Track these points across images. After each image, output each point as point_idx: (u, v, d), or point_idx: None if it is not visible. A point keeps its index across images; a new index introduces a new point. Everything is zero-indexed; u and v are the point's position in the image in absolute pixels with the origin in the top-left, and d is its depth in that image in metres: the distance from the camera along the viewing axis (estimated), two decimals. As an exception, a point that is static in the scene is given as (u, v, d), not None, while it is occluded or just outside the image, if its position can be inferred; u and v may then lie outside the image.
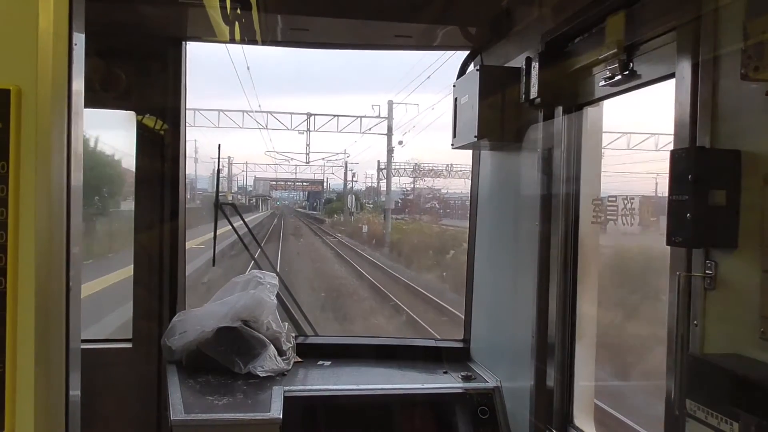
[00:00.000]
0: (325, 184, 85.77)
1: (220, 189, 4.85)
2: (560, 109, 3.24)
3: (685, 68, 2.20)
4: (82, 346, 1.54)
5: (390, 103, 40.10)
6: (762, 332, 1.84)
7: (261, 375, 3.79)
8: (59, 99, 1.30)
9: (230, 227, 4.60)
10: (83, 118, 1.43)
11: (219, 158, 5.65)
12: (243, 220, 4.83)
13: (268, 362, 3.88)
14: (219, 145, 7.20)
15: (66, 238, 1.34)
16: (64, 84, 1.31)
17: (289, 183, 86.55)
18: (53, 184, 1.29)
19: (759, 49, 1.73)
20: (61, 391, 1.36)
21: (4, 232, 1.23)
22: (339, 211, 64.04)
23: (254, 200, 79.15)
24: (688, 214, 2.00)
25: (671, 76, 2.32)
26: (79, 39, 1.38)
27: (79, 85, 1.39)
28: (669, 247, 2.23)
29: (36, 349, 1.26)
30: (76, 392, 1.44)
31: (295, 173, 73.81)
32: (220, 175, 5.22)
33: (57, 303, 1.32)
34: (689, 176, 2.00)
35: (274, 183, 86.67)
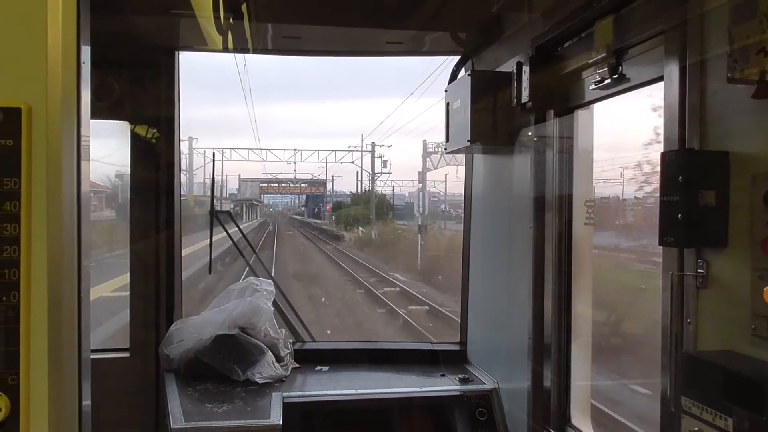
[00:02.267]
0: (329, 184, 69.38)
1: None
2: (551, 112, 3.29)
3: (673, 71, 2.25)
4: None
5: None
6: (753, 329, 1.88)
7: (259, 381, 3.80)
8: (68, 113, 1.31)
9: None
10: (90, 130, 1.45)
11: (213, 166, 5.67)
12: (239, 227, 4.84)
13: (267, 369, 3.88)
14: (213, 153, 7.21)
15: (77, 251, 1.35)
16: (74, 98, 1.32)
17: (283, 184, 70.20)
18: (64, 198, 1.30)
19: (743, 53, 1.78)
20: (74, 401, 1.38)
21: (18, 247, 1.24)
22: (363, 222, 43.83)
23: (237, 206, 60.38)
24: (679, 215, 2.04)
25: (660, 79, 2.36)
26: (86, 52, 1.40)
27: (86, 98, 1.40)
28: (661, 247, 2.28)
29: (49, 359, 1.27)
30: (87, 402, 1.45)
31: (295, 160, 54.15)
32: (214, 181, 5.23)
33: (69, 314, 1.34)
34: (679, 177, 2.05)
35: (265, 185, 70.77)
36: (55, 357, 1.28)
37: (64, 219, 1.30)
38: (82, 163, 1.35)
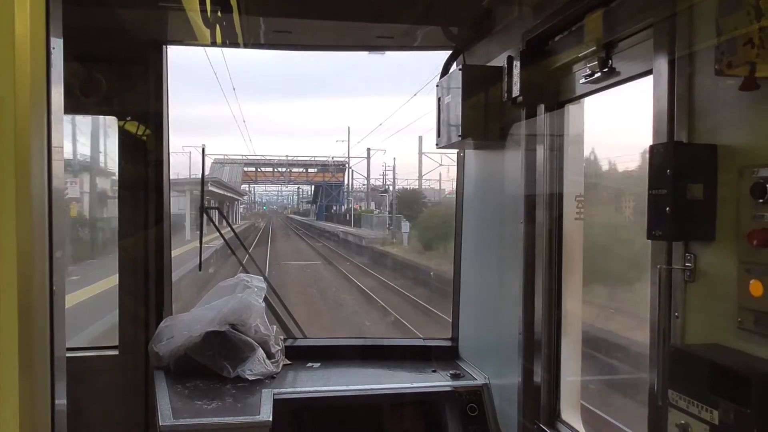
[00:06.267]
0: (348, 174, 44.53)
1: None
2: (542, 107, 3.27)
3: (661, 65, 2.24)
4: (67, 354, 1.53)
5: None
6: (739, 322, 1.88)
7: (250, 378, 3.78)
8: (38, 104, 1.28)
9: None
10: (63, 123, 1.42)
11: (204, 162, 5.63)
12: (231, 226, 4.81)
13: (257, 365, 3.86)
14: (203, 147, 7.18)
15: (48, 245, 1.32)
16: (43, 89, 1.29)
17: (279, 170, 46.53)
18: (34, 190, 1.27)
19: (731, 46, 1.76)
20: (46, 401, 1.35)
21: None
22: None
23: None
24: (667, 208, 2.03)
25: (649, 72, 2.35)
26: (57, 44, 1.37)
27: (58, 90, 1.37)
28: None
29: (20, 357, 1.23)
30: (62, 401, 1.42)
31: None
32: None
33: (41, 311, 1.31)
34: (667, 171, 2.04)
35: (252, 169, 46.91)
36: (25, 354, 1.24)
37: (34, 211, 1.27)
38: (54, 153, 1.32)
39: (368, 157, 41.89)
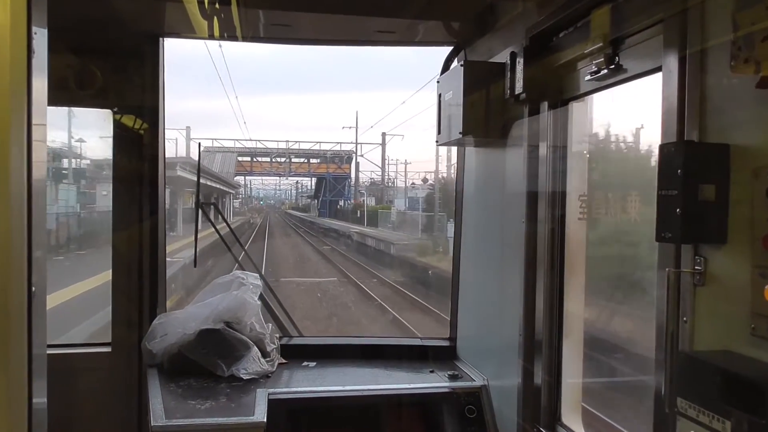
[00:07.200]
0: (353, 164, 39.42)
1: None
2: (545, 104, 3.22)
3: (672, 62, 2.18)
4: (59, 351, 1.48)
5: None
6: (753, 328, 1.82)
7: (244, 377, 3.73)
8: (18, 95, 1.22)
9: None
10: (47, 115, 1.35)
11: (199, 158, 5.58)
12: (226, 221, 4.74)
13: (252, 364, 3.81)
14: (199, 143, 7.13)
15: (27, 243, 1.26)
16: (23, 80, 1.23)
17: (278, 160, 41.27)
18: (11, 183, 1.21)
19: (749, 41, 1.70)
20: (22, 400, 1.29)
21: None
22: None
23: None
24: (678, 210, 1.97)
25: (658, 69, 2.29)
26: (41, 33, 1.30)
27: (40, 81, 1.31)
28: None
29: None
30: (41, 400, 1.37)
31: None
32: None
33: (18, 308, 1.26)
34: (678, 171, 1.98)
35: (247, 159, 42.17)
36: (1, 352, 1.19)
37: (12, 205, 1.21)
38: (34, 145, 1.25)
39: (383, 144, 36.60)
